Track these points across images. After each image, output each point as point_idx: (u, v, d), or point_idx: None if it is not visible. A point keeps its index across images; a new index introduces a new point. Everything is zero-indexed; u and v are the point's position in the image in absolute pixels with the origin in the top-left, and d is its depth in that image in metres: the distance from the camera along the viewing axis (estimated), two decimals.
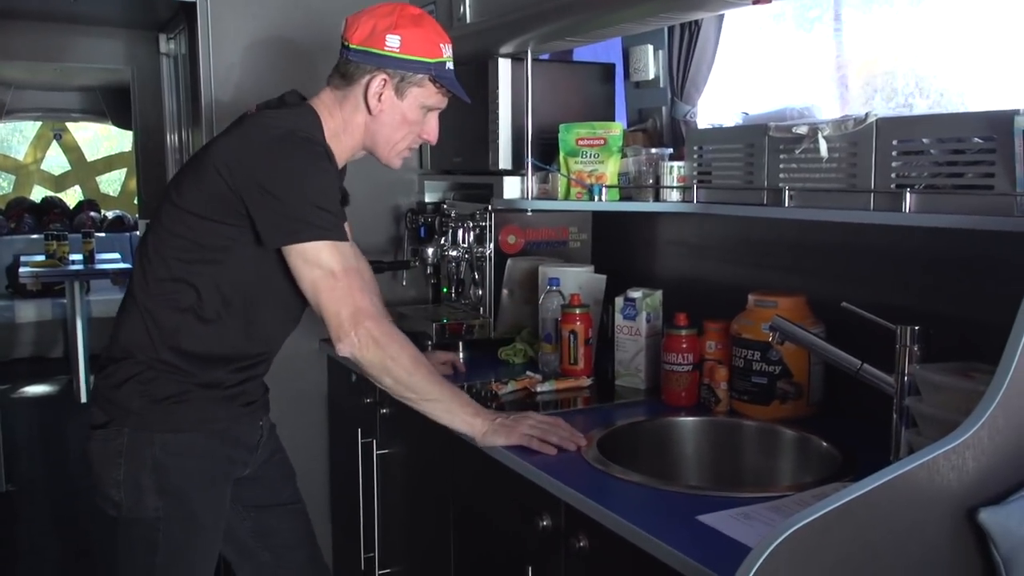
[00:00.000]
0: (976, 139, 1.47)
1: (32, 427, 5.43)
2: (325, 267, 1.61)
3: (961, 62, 1.93)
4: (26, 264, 6.29)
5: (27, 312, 6.90)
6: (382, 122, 1.77)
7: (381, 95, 1.75)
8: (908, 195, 1.55)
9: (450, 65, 1.80)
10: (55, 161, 8.45)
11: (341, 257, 1.63)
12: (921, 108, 2.01)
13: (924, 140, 1.57)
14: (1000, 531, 1.07)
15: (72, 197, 8.37)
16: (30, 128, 8.22)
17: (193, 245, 1.66)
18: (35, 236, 7.30)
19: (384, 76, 1.74)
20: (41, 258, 6.37)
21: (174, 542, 1.68)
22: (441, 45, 1.78)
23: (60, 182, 8.45)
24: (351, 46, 1.75)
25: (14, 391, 6.14)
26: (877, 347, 1.58)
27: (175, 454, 1.66)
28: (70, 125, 8.25)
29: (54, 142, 8.34)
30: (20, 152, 8.31)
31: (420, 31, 1.75)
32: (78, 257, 6.35)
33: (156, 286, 1.67)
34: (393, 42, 1.72)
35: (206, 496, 1.71)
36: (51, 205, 7.97)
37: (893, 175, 1.60)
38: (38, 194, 8.26)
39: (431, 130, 1.84)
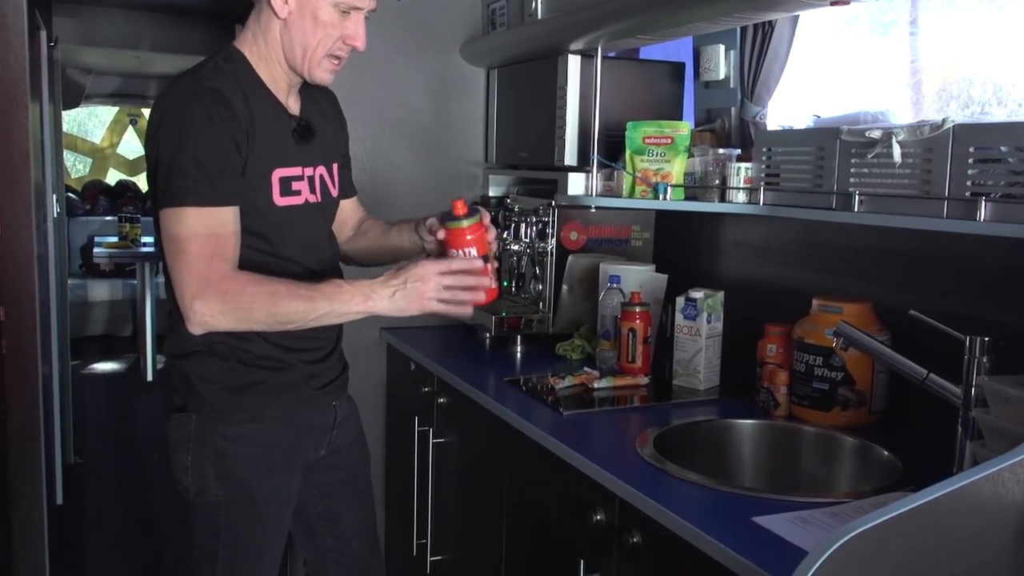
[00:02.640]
0: None
1: (100, 403, 5.59)
2: (175, 234, 1.51)
3: None
4: (100, 245, 6.49)
5: (99, 291, 7.10)
6: (294, 27, 1.59)
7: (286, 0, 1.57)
8: (983, 204, 1.52)
9: None
10: (130, 146, 8.67)
11: (197, 223, 1.50)
12: (998, 117, 1.96)
13: (1002, 148, 1.54)
14: None
15: (145, 181, 8.57)
16: (107, 113, 8.45)
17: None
18: (109, 218, 7.51)
19: None
20: (114, 239, 6.56)
21: (235, 528, 1.70)
22: None
23: (134, 166, 8.66)
24: None
25: (84, 367, 6.33)
26: (944, 357, 1.55)
27: (236, 442, 1.67)
28: (146, 111, 8.45)
29: (130, 127, 8.56)
30: (97, 136, 8.55)
31: None
32: (149, 240, 6.53)
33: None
34: None
35: (267, 484, 1.71)
36: (125, 188, 8.19)
37: (968, 183, 1.56)
38: (113, 177, 8.49)
39: (355, 34, 1.62)
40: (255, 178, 1.59)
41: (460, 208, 1.61)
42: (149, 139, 1.58)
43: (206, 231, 1.51)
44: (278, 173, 1.63)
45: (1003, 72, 1.95)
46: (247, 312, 1.52)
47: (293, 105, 1.71)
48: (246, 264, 1.59)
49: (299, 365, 1.71)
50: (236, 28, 4.07)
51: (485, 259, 1.62)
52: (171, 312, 1.67)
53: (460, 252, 1.61)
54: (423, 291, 1.54)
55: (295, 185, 1.66)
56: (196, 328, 1.53)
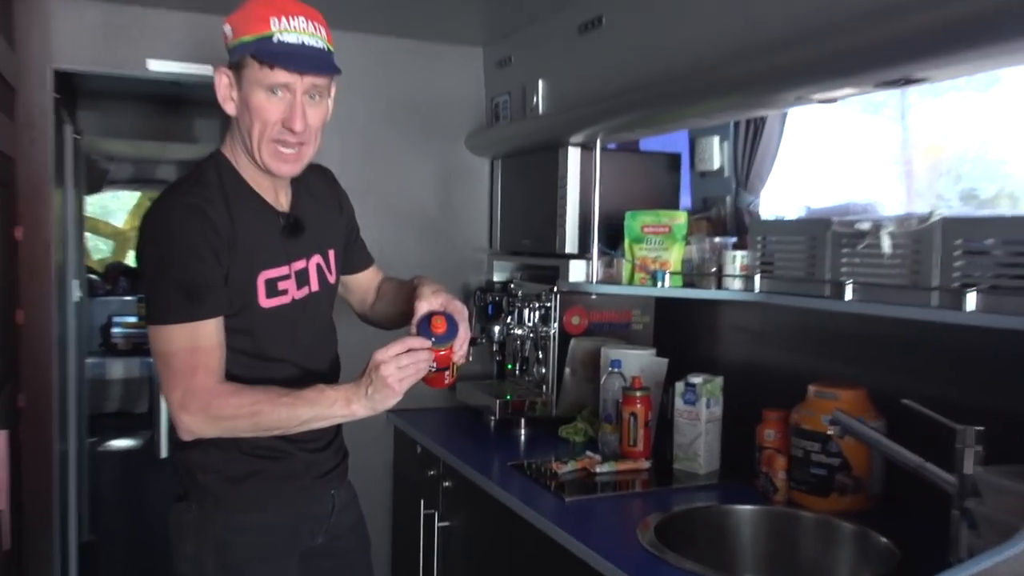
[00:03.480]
0: None
1: (115, 480, 5.55)
2: (161, 350, 1.52)
3: None
4: (118, 324, 6.51)
5: (116, 369, 7.09)
6: (241, 120, 1.57)
7: (229, 89, 1.57)
8: (972, 294, 1.52)
9: (284, 37, 1.50)
10: None
11: (180, 339, 1.51)
12: (988, 193, 1.99)
13: (989, 240, 1.55)
14: None
15: None
16: (129, 197, 8.55)
17: None
18: (129, 298, 7.54)
19: (221, 71, 1.56)
20: (133, 319, 6.59)
21: None
22: (272, 18, 1.50)
23: None
24: None
25: (101, 444, 6.29)
26: (938, 445, 1.54)
27: (237, 532, 1.64)
28: None
29: None
30: (119, 219, 8.64)
31: (246, 11, 1.52)
32: None
33: None
34: (227, 31, 1.54)
35: (265, 572, 1.68)
36: None
37: (956, 273, 1.57)
38: (133, 259, 8.56)
39: (289, 116, 1.54)
40: (240, 283, 1.58)
41: (439, 327, 1.56)
42: (137, 256, 1.61)
43: (190, 345, 1.52)
44: (264, 276, 1.62)
45: (992, 150, 1.98)
46: (231, 422, 1.54)
47: (283, 200, 1.69)
48: (234, 362, 1.58)
49: (298, 454, 1.69)
50: None
51: (444, 368, 1.59)
52: None
53: None
54: (386, 378, 1.49)
55: (281, 285, 1.64)
56: (184, 435, 1.54)
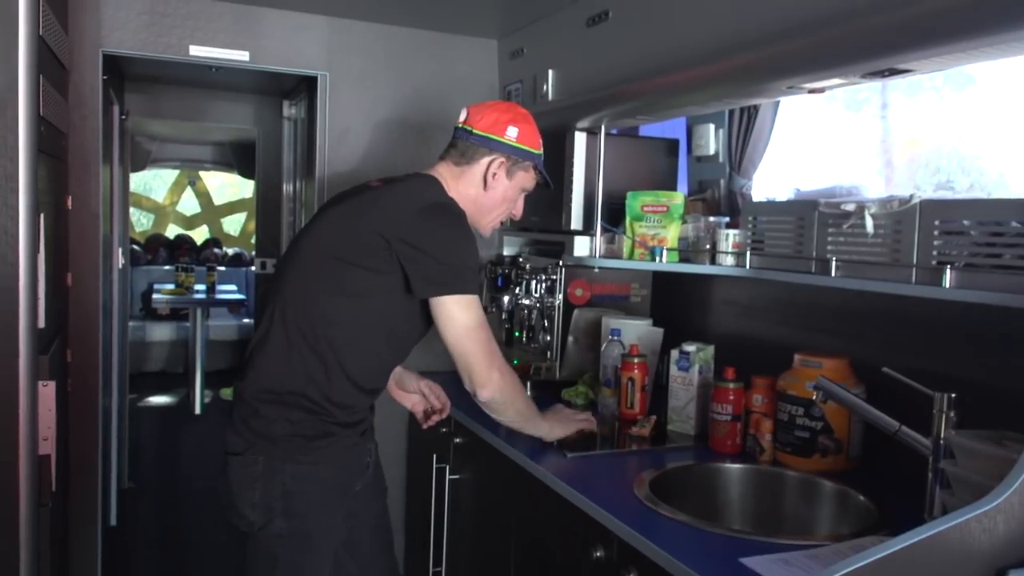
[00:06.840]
0: (1015, 223, 1.42)
1: (153, 433, 5.57)
2: (472, 319, 1.70)
3: (1001, 144, 1.89)
4: (158, 291, 6.52)
5: (156, 333, 7.11)
6: (489, 197, 1.86)
7: (496, 174, 1.84)
8: (948, 271, 1.50)
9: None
10: (188, 204, 8.74)
11: (480, 312, 1.73)
12: (962, 185, 1.96)
13: (965, 222, 1.52)
14: None
15: (200, 235, 8.63)
16: (169, 175, 8.54)
17: (337, 287, 1.69)
18: (167, 267, 7.55)
19: (502, 159, 1.84)
20: (171, 287, 6.59)
21: (292, 558, 1.70)
22: (540, 141, 1.91)
23: (191, 222, 8.73)
24: (474, 131, 1.85)
25: (140, 400, 6.31)
26: (914, 410, 1.52)
27: (301, 481, 1.68)
28: (202, 173, 8.53)
29: (188, 188, 8.64)
30: (160, 195, 8.64)
31: (530, 127, 1.88)
32: (202, 287, 6.56)
33: (306, 327, 1.68)
34: (512, 132, 1.84)
35: (323, 519, 1.72)
36: (182, 241, 8.24)
37: (934, 252, 1.55)
38: (172, 231, 8.55)
39: (520, 208, 1.95)
40: None
41: (731, 373, 2.00)
42: (395, 233, 1.67)
43: (485, 318, 1.76)
44: None
45: (967, 145, 1.96)
46: (514, 398, 1.84)
47: None
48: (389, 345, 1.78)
49: (366, 415, 1.79)
50: (283, 104, 4.13)
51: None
52: (271, 360, 1.70)
53: None
54: (571, 424, 2.02)
55: None
56: (486, 395, 1.76)
